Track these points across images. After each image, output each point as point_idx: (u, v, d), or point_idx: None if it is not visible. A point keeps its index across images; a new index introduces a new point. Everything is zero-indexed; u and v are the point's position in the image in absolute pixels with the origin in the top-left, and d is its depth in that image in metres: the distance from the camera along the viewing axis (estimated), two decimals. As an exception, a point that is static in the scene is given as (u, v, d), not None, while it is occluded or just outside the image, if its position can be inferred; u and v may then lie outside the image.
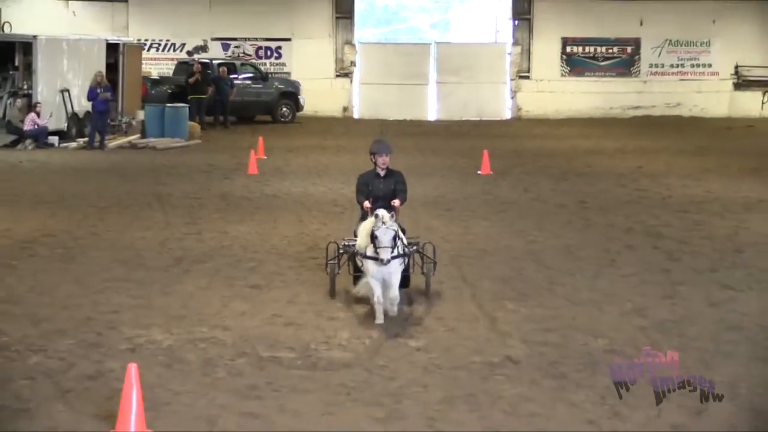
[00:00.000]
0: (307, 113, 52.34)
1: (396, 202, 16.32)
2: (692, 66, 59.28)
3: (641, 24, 58.40)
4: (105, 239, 22.14)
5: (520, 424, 11.46)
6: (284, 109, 51.56)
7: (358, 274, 16.63)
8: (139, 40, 50.62)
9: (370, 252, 15.28)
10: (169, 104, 43.42)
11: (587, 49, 59.09)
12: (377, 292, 15.23)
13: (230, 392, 12.53)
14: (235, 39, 57.30)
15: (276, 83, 52.52)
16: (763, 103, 55.38)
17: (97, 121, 38.85)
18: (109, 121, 39.91)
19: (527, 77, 58.85)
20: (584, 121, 53.99)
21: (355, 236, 16.37)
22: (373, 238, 14.95)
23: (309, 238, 22.34)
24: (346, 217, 24.42)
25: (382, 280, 15.36)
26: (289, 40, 57.54)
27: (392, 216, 15.47)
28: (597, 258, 20.28)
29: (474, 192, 29.40)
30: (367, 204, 16.17)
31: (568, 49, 58.97)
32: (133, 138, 41.26)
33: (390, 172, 16.71)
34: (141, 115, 42.86)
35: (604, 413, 11.35)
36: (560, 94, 57.88)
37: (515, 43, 58.69)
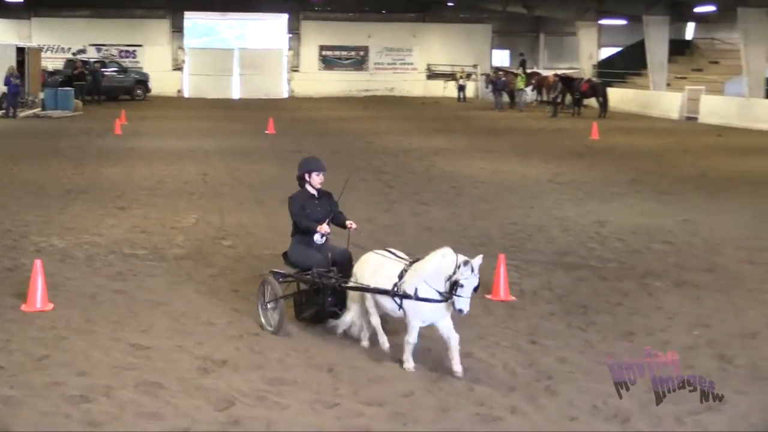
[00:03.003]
0: (154, 94, 51.30)
1: (353, 225, 10.09)
2: (401, 64, 60.18)
3: (369, 37, 58.83)
4: (18, 178, 21.14)
5: (291, 291, 11.49)
6: (138, 91, 50.49)
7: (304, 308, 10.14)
8: (39, 45, 49.00)
9: (425, 293, 8.49)
10: (60, 88, 42.13)
11: (335, 52, 59.37)
12: (414, 336, 8.71)
13: (104, 277, 12.21)
14: (105, 45, 56.09)
15: (133, 74, 51.60)
16: (444, 87, 56.35)
17: (10, 99, 37.50)
18: (19, 99, 38.52)
19: (297, 71, 58.80)
20: (334, 99, 53.99)
21: (295, 265, 10.09)
22: (455, 284, 8.25)
23: (157, 176, 21.77)
24: (183, 161, 24.16)
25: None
26: (141, 46, 56.70)
27: (327, 239, 10.07)
28: (341, 184, 20.26)
29: (263, 145, 29.01)
30: (325, 228, 9.87)
31: (323, 52, 59.16)
32: (36, 110, 40.14)
33: (322, 193, 10.29)
34: (41, 95, 41.70)
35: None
36: (319, 82, 57.87)
37: (290, 48, 58.70)
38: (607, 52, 55.05)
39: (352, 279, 9.43)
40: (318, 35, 58.64)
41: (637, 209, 17.92)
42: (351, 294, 9.52)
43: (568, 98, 44.54)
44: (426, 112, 45.78)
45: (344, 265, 9.80)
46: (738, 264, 13.43)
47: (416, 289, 8.55)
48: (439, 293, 8.43)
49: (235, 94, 57.12)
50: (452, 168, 23.91)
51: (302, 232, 10.03)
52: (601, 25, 52.59)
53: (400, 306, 8.75)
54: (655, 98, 45.29)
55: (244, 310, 10.65)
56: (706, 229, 15.96)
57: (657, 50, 45.43)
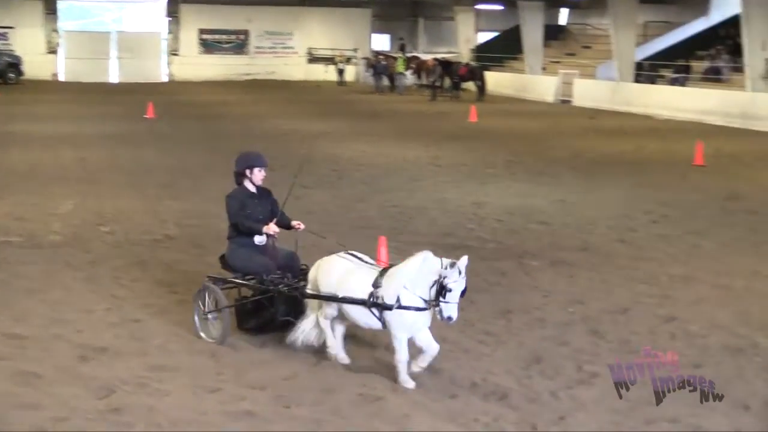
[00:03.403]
0: (28, 78, 49.21)
1: (300, 225, 9.24)
2: (282, 48, 59.57)
3: (249, 21, 58.08)
4: None
5: (172, 276, 11.34)
6: (11, 74, 48.52)
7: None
8: None
9: (408, 300, 7.70)
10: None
11: (215, 36, 58.41)
12: (404, 352, 7.86)
13: (-23, 266, 11.80)
14: (-25, 27, 53.89)
15: (4, 57, 49.48)
16: (324, 71, 56.13)
17: None
18: None
19: (177, 54, 57.62)
20: (215, 83, 53.13)
21: (236, 270, 9.08)
22: (442, 288, 7.50)
23: (32, 161, 21.08)
24: (60, 146, 23.46)
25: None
26: (13, 28, 54.25)
27: (275, 240, 9.09)
28: (221, 169, 20.03)
29: (143, 130, 28.41)
30: (274, 228, 8.98)
31: (203, 36, 58.10)
32: None
33: (261, 190, 9.37)
34: None
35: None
36: (198, 66, 56.75)
37: (169, 32, 57.50)
38: (484, 37, 55.86)
39: (309, 287, 8.54)
40: (197, 19, 57.59)
41: (513, 190, 18.25)
42: (311, 302, 8.58)
43: (447, 82, 45.00)
44: (307, 96, 45.58)
45: (294, 269, 9.04)
46: (609, 243, 13.82)
47: (398, 298, 7.72)
48: (425, 301, 7.67)
49: (113, 78, 55.64)
50: (333, 151, 23.87)
51: (242, 233, 9.07)
52: (478, 11, 53.33)
53: (380, 318, 7.89)
54: (531, 82, 46.20)
55: (123, 296, 10.46)
56: (580, 210, 16.37)
57: (532, 35, 46.34)
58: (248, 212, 9.05)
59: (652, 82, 39.41)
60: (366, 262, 8.35)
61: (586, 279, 11.66)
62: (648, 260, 12.66)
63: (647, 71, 40.05)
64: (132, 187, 17.99)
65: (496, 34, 55.25)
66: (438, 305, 7.55)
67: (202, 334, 8.99)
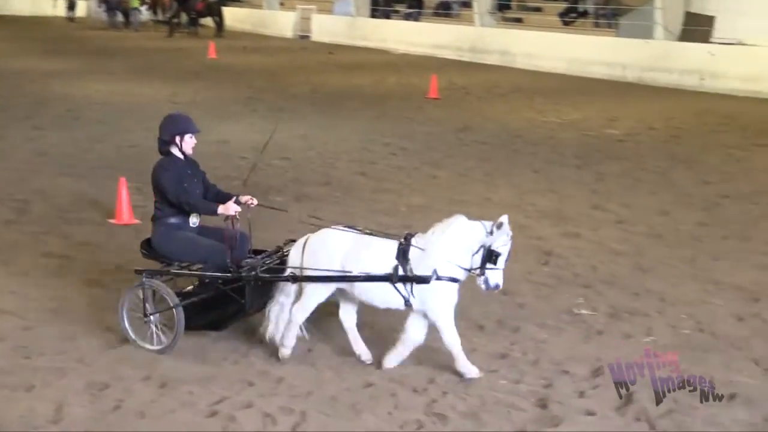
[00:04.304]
0: None
1: (253, 201, 7.55)
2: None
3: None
4: None
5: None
6: None
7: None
8: None
9: (447, 271, 6.61)
10: None
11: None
12: (455, 332, 6.81)
13: None
14: None
15: None
16: (53, 6, 53.14)
17: None
18: None
19: None
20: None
21: (172, 258, 7.43)
22: (491, 254, 6.52)
23: None
24: None
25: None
26: None
27: (237, 221, 7.39)
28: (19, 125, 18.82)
29: None
30: (235, 207, 7.33)
31: None
32: None
33: (190, 161, 7.62)
34: None
35: None
36: None
37: None
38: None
39: (289, 269, 7.10)
40: None
41: (256, 127, 18.15)
42: (283, 288, 7.23)
43: (184, 18, 43.96)
44: (36, 32, 43.16)
45: (245, 252, 7.44)
46: (351, 176, 14.08)
47: (434, 271, 6.59)
48: (466, 270, 6.67)
49: None
50: (67, 90, 22.87)
51: (176, 213, 7.44)
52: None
53: (408, 298, 6.71)
54: (270, 17, 45.94)
55: None
56: (321, 144, 16.55)
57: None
58: (185, 187, 7.38)
59: (387, 17, 40.17)
60: (370, 234, 7.06)
61: (330, 212, 11.78)
62: (388, 191, 13.01)
63: (383, 6, 40.74)
64: None
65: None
66: (483, 273, 6.62)
67: (137, 339, 7.34)
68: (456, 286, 6.73)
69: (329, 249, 6.93)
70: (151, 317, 7.33)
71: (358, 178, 13.96)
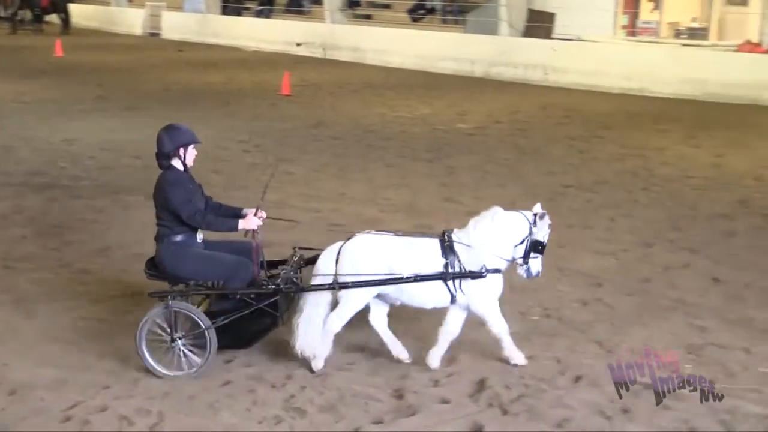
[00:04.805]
0: None
1: (263, 214, 7.28)
2: None
3: None
4: None
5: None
6: None
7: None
8: None
9: (493, 264, 6.77)
10: None
11: None
12: (503, 321, 7.01)
13: None
14: None
15: None
16: None
17: None
18: None
19: None
20: None
21: (188, 278, 6.97)
22: (536, 245, 6.78)
23: None
24: None
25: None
26: None
27: (257, 233, 7.14)
28: None
29: None
30: (257, 221, 7.14)
31: None
32: None
33: (190, 174, 7.26)
34: None
35: None
36: None
37: None
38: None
39: (316, 279, 6.95)
40: None
41: (105, 126, 17.79)
42: (308, 298, 6.98)
43: (28, 14, 42.47)
44: None
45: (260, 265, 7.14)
46: (205, 174, 13.62)
47: (483, 266, 6.74)
48: (509, 261, 6.87)
49: None
50: None
51: (184, 230, 6.98)
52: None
53: (453, 292, 6.78)
54: (118, 15, 44.92)
55: None
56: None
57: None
58: (195, 204, 6.99)
59: (239, 14, 39.81)
60: (403, 236, 7.08)
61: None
62: (243, 189, 12.88)
63: (234, 4, 40.35)
64: None
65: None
66: (526, 263, 6.83)
67: (161, 369, 6.83)
68: (500, 277, 6.87)
69: (372, 254, 6.85)
70: (179, 341, 6.84)
71: (212, 176, 13.72)
